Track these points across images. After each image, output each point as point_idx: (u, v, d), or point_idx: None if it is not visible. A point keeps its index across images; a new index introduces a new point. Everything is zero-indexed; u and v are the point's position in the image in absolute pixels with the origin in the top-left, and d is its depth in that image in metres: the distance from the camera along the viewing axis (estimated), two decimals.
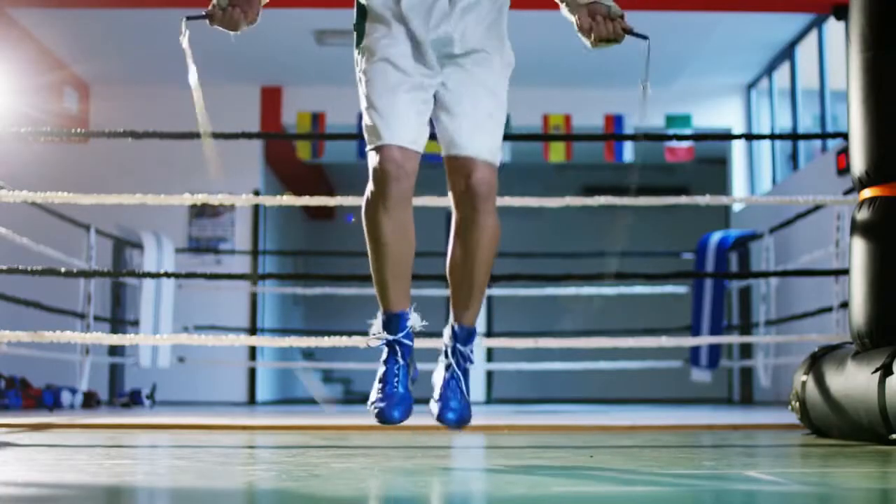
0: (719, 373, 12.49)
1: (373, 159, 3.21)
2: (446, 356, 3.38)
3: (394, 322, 3.29)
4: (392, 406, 3.19)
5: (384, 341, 3.28)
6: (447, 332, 3.42)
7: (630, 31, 3.27)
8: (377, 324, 3.34)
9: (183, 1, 9.85)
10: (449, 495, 2.41)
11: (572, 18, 3.32)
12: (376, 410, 3.20)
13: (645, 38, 3.27)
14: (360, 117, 12.22)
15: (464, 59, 3.27)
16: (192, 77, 3.35)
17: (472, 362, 3.39)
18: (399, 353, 3.27)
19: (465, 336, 3.38)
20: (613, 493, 2.42)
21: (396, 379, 3.24)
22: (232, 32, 3.28)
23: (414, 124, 3.21)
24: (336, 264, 14.41)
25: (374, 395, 3.26)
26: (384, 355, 3.29)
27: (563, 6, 3.36)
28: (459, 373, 3.33)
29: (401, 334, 3.28)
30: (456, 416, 3.26)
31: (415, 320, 3.33)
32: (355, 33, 3.34)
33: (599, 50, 3.32)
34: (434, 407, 3.31)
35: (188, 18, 3.25)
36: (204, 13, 3.26)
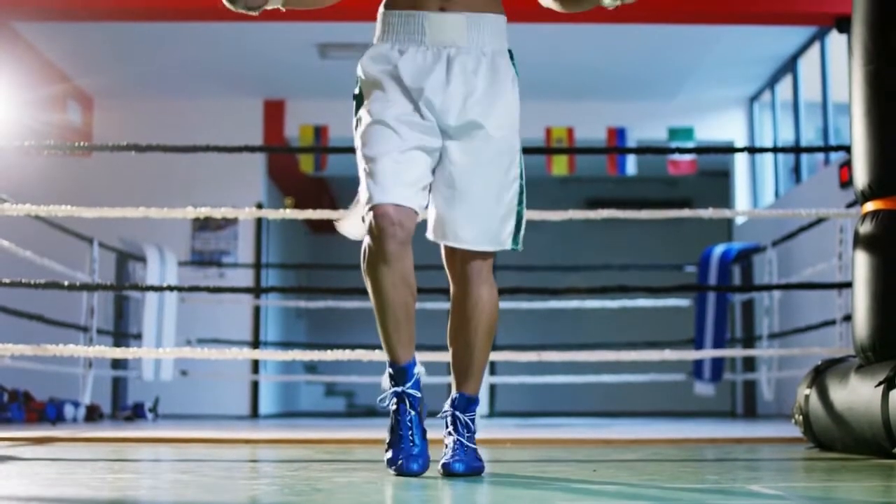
0: (722, 386, 12.48)
1: (369, 215, 3.19)
2: (446, 425, 3.36)
3: (400, 374, 3.27)
4: (410, 459, 3.15)
5: (394, 393, 3.28)
6: (448, 401, 3.39)
7: None
8: (385, 378, 3.33)
9: (186, 15, 9.91)
10: None
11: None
12: (394, 468, 3.17)
13: None
14: None
15: (463, 136, 3.25)
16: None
17: (474, 431, 3.35)
18: (409, 404, 3.26)
19: (464, 404, 3.35)
20: None
21: (410, 432, 3.22)
22: (228, 2, 3.22)
23: (411, 183, 3.19)
24: (339, 278, 14.40)
25: (389, 451, 3.23)
26: (394, 407, 3.26)
27: (593, 3, 3.31)
28: (463, 440, 3.31)
29: (409, 384, 3.27)
30: (464, 465, 3.22)
31: (420, 370, 3.32)
32: (354, 103, 3.34)
33: (613, 7, 3.23)
34: (440, 469, 3.25)
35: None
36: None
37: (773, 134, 12.81)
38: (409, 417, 3.24)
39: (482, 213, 3.26)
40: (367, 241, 3.22)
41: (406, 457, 3.16)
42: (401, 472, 3.15)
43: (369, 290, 3.25)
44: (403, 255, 3.19)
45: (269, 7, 3.24)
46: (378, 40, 3.31)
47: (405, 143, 3.19)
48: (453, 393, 3.40)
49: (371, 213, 3.18)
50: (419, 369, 3.30)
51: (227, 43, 11.21)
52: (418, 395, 3.28)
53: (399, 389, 3.27)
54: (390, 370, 3.29)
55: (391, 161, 3.18)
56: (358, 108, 3.31)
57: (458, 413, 3.34)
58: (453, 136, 3.25)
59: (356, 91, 3.33)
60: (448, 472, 3.21)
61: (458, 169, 3.25)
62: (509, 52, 3.34)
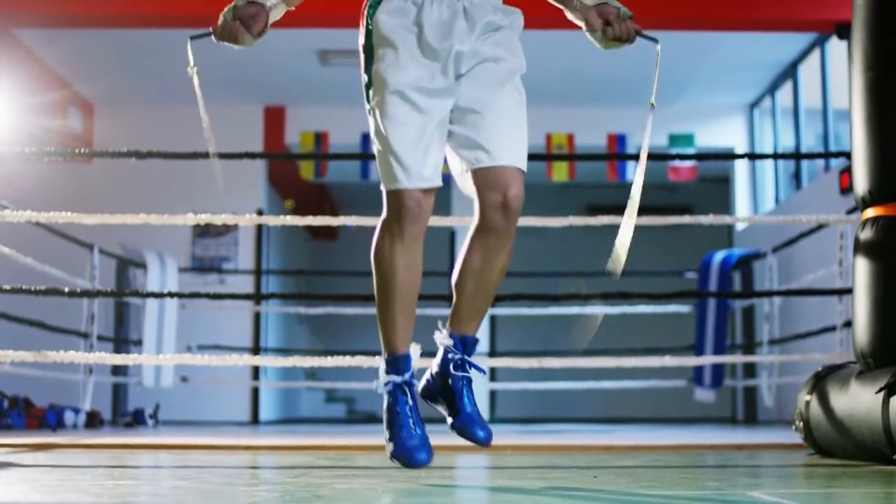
0: (723, 392, 12.47)
1: (391, 196, 3.18)
2: (447, 367, 3.33)
3: (401, 363, 3.26)
4: (416, 450, 3.15)
5: (392, 384, 3.26)
6: (449, 342, 3.35)
7: (641, 33, 3.27)
8: (381, 370, 3.32)
9: (186, 22, 9.91)
10: None
11: (581, 22, 3.31)
12: (401, 458, 3.15)
13: (655, 41, 3.27)
14: (363, 137, 12.30)
15: (481, 67, 3.24)
16: (202, 108, 3.32)
17: (482, 371, 3.37)
18: (409, 394, 3.25)
19: (472, 346, 3.36)
20: None
21: (411, 420, 3.21)
22: (236, 47, 3.25)
23: (434, 161, 3.19)
24: (339, 284, 14.39)
25: (391, 444, 3.21)
26: (390, 399, 3.24)
27: (567, 11, 3.35)
28: (471, 395, 3.30)
29: (408, 374, 3.26)
30: (487, 434, 3.22)
31: (415, 353, 3.32)
32: (363, 55, 3.29)
33: (610, 50, 3.31)
34: (458, 423, 3.25)
35: (192, 38, 3.24)
36: (208, 31, 3.24)
37: (773, 140, 12.81)
38: (408, 407, 3.23)
39: (514, 129, 3.27)
40: (385, 221, 3.22)
41: (411, 448, 3.15)
42: (409, 465, 3.14)
43: (378, 272, 3.24)
44: (420, 240, 3.21)
45: (273, 19, 3.25)
46: None
47: (427, 119, 3.18)
48: (460, 337, 3.35)
49: (398, 194, 3.17)
50: (414, 359, 3.29)
51: (227, 49, 11.15)
52: (416, 383, 3.28)
53: (399, 380, 3.25)
54: (388, 359, 3.28)
55: (415, 141, 3.16)
56: (368, 62, 3.27)
57: (466, 358, 3.33)
58: (470, 70, 3.24)
59: (362, 41, 3.28)
60: (473, 438, 3.21)
61: (481, 93, 3.23)
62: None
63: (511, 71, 3.30)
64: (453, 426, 3.27)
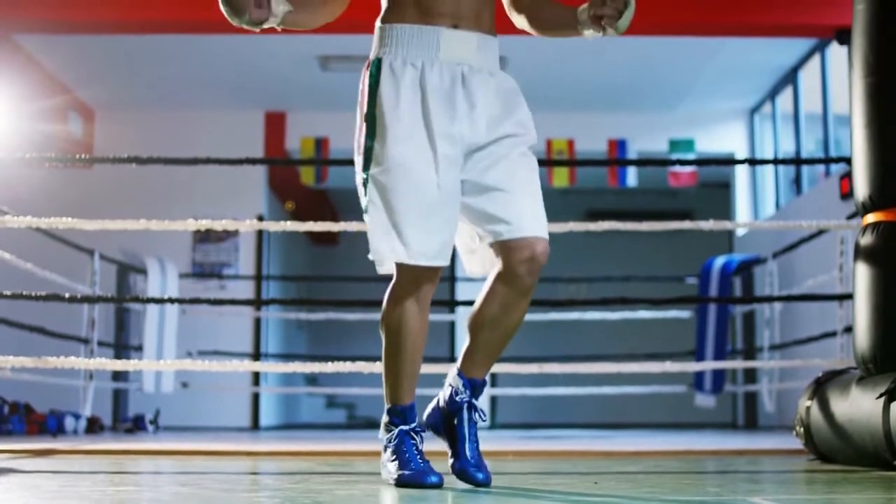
0: (723, 398, 12.47)
1: (406, 269, 3.21)
2: (455, 407, 3.35)
3: (408, 413, 3.29)
4: (426, 474, 3.15)
5: (400, 432, 3.27)
6: (458, 382, 3.37)
7: None
8: (384, 424, 3.33)
9: (188, 27, 9.93)
10: None
11: (590, 33, 3.29)
12: (411, 481, 3.15)
13: None
14: None
15: (495, 144, 3.24)
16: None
17: (484, 418, 3.38)
18: (416, 438, 3.27)
19: (480, 389, 3.37)
20: None
21: (418, 456, 3.22)
22: (230, 15, 3.14)
23: (444, 239, 3.21)
24: (340, 289, 14.41)
25: (395, 471, 3.21)
26: (397, 442, 3.25)
27: (580, 32, 3.32)
28: (474, 439, 3.32)
29: (413, 424, 3.29)
30: (486, 476, 3.23)
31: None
32: (364, 125, 3.24)
33: (615, 37, 3.27)
34: (458, 465, 3.27)
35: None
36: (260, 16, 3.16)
37: (773, 145, 12.81)
38: (415, 448, 3.25)
39: (535, 203, 3.25)
40: (397, 285, 3.24)
41: (421, 471, 3.16)
42: (420, 484, 3.13)
43: (390, 331, 3.25)
44: (429, 302, 3.25)
45: (268, 25, 3.22)
46: (386, 56, 3.24)
47: (435, 190, 3.17)
48: (470, 379, 3.36)
49: (413, 269, 3.20)
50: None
51: (227, 55, 11.22)
52: (420, 429, 3.29)
53: (406, 428, 3.27)
54: (392, 411, 3.30)
55: (423, 214, 3.17)
56: (370, 128, 3.22)
57: (474, 402, 3.35)
58: (485, 148, 3.24)
59: (365, 107, 3.24)
60: (471, 480, 3.22)
61: (500, 170, 3.22)
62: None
63: (522, 140, 3.30)
64: (453, 467, 3.30)
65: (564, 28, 3.36)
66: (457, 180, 3.22)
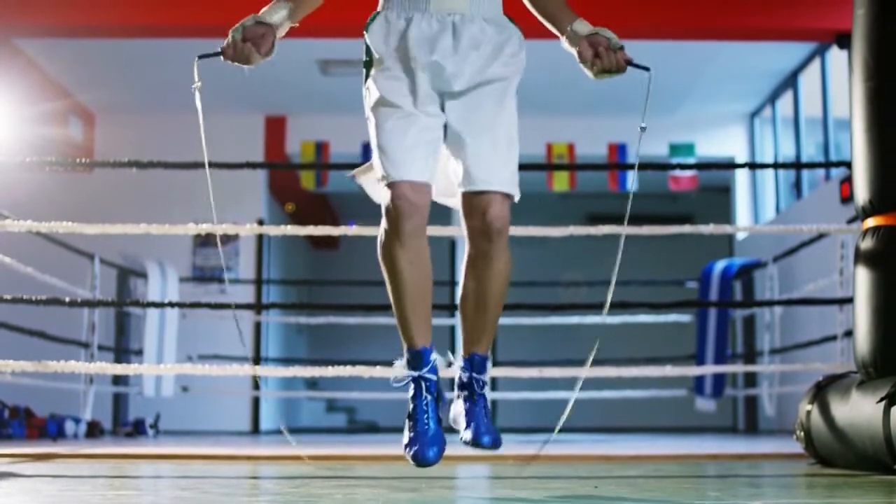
0: (724, 402, 12.47)
1: (385, 197, 3.22)
2: (462, 388, 3.39)
3: (417, 358, 3.29)
4: (426, 446, 3.19)
5: (410, 378, 3.28)
6: (458, 363, 3.42)
7: (631, 63, 3.29)
8: (398, 365, 3.35)
9: (188, 32, 9.93)
10: None
11: (573, 51, 3.35)
12: (411, 453, 3.20)
13: (647, 69, 3.29)
14: (364, 146, 12.29)
15: (468, 94, 3.28)
16: (201, 125, 3.38)
17: (487, 384, 3.40)
18: (425, 388, 3.28)
19: (480, 364, 3.40)
20: None
21: (426, 415, 3.24)
22: (246, 67, 3.29)
23: (421, 159, 3.21)
24: (340, 293, 14.40)
25: (406, 435, 3.26)
26: (411, 392, 3.29)
27: (563, 39, 3.39)
28: (480, 399, 3.35)
29: (425, 369, 3.29)
30: (491, 439, 3.28)
31: (437, 357, 3.34)
32: (364, 70, 3.37)
33: (602, 80, 3.35)
34: (466, 435, 3.30)
35: (200, 57, 3.29)
36: (218, 50, 3.28)
37: (773, 149, 12.82)
38: (425, 402, 3.27)
39: (501, 155, 3.27)
40: (383, 222, 3.24)
41: (422, 443, 3.19)
42: (417, 461, 3.17)
43: (385, 273, 3.28)
44: (420, 235, 3.23)
45: (280, 36, 3.29)
46: (382, 8, 3.34)
47: (412, 120, 3.23)
48: (468, 356, 3.41)
49: (388, 192, 3.20)
50: (436, 356, 3.31)
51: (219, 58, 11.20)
52: (434, 378, 3.31)
53: (416, 374, 3.28)
54: (407, 355, 3.31)
55: (403, 137, 3.21)
56: (367, 76, 3.35)
57: (475, 374, 3.37)
58: (462, 95, 3.27)
59: (365, 58, 3.36)
60: (478, 444, 3.26)
61: (471, 120, 3.26)
62: (507, 17, 3.39)
63: (500, 90, 3.32)
64: (462, 439, 3.31)
65: (553, 25, 3.42)
66: (434, 116, 3.27)
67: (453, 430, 3.44)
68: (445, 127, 3.29)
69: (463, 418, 3.36)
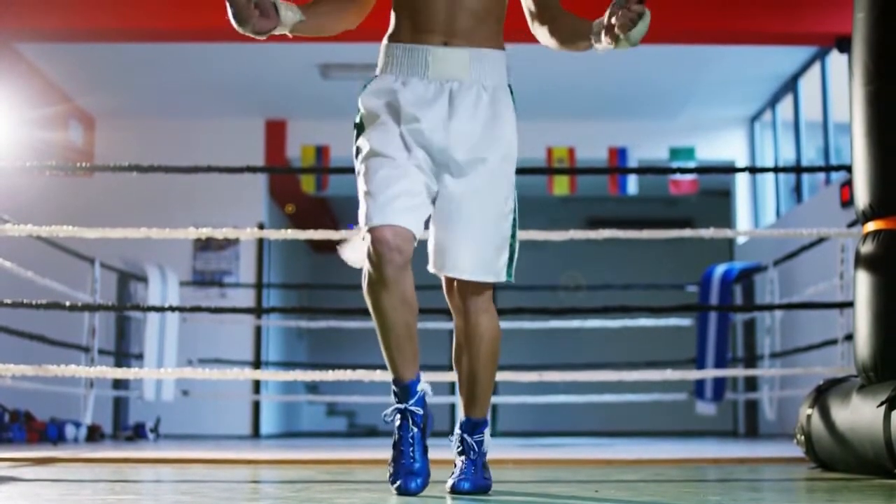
0: (724, 405, 12.46)
1: (366, 242, 3.22)
2: (457, 447, 3.40)
3: (404, 391, 3.30)
4: (409, 478, 3.20)
5: (396, 410, 3.29)
6: (458, 424, 3.45)
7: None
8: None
9: (188, 36, 9.94)
10: None
11: (603, 45, 3.22)
12: (395, 485, 3.21)
13: None
14: None
15: (462, 170, 3.27)
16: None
17: (483, 452, 3.40)
18: (411, 421, 3.28)
19: (470, 427, 3.41)
20: None
21: (412, 448, 3.25)
22: (234, 23, 3.13)
23: (407, 208, 3.20)
24: (340, 298, 14.37)
25: (390, 465, 3.27)
26: (398, 423, 3.30)
27: (595, 47, 3.27)
28: (471, 462, 3.35)
29: (411, 402, 3.29)
30: (471, 485, 3.28)
31: (424, 388, 3.34)
32: (354, 132, 3.36)
33: (641, 37, 3.18)
34: (448, 482, 3.32)
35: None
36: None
37: (774, 153, 12.82)
38: (410, 434, 3.26)
39: (481, 243, 3.29)
40: (366, 265, 3.24)
41: (405, 474, 3.20)
42: (400, 492, 3.18)
43: (371, 311, 3.28)
44: (402, 278, 3.21)
45: (276, 32, 3.23)
46: (381, 72, 3.33)
47: (403, 169, 3.22)
48: (461, 416, 3.45)
49: (369, 237, 3.20)
50: (423, 387, 3.32)
51: (228, 63, 11.24)
52: (421, 412, 3.30)
53: (402, 406, 3.29)
54: (394, 388, 3.31)
55: (389, 186, 3.20)
56: (358, 136, 3.34)
57: (465, 436, 3.39)
58: (453, 171, 3.28)
59: (357, 120, 3.35)
60: (454, 490, 3.27)
61: (458, 201, 3.27)
62: (509, 87, 3.38)
63: (498, 180, 3.32)
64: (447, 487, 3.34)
65: (580, 39, 3.30)
66: (429, 171, 3.27)
67: (440, 434, 3.44)
68: (436, 194, 3.30)
69: (457, 472, 3.36)
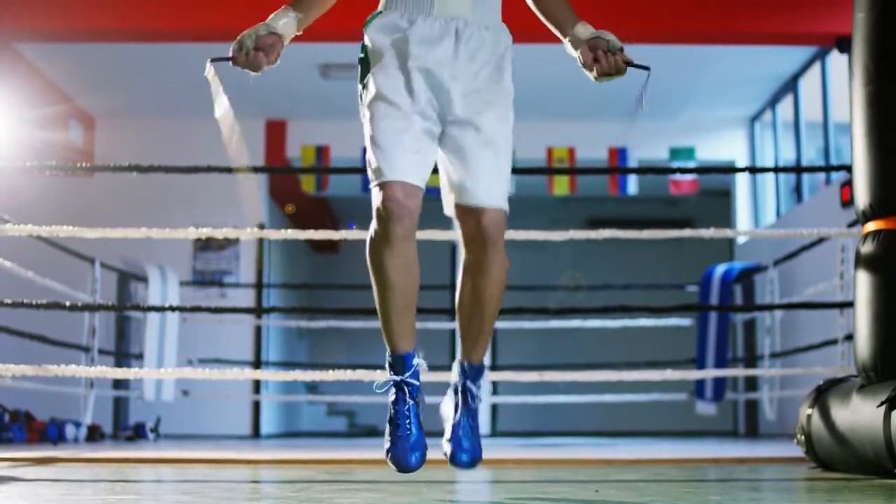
0: (724, 405, 12.46)
1: (376, 198, 3.21)
2: (455, 393, 3.38)
3: (400, 363, 3.29)
4: (407, 451, 3.18)
5: (392, 382, 3.28)
6: (456, 368, 3.43)
7: (631, 64, 3.29)
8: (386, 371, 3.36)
9: (188, 36, 9.94)
10: None
11: (575, 54, 3.35)
12: (392, 458, 3.19)
13: (646, 69, 3.29)
14: (364, 151, 12.31)
15: (471, 106, 3.27)
16: (220, 110, 3.39)
17: (480, 399, 3.40)
18: (407, 393, 3.27)
19: (474, 373, 3.40)
20: None
21: (408, 421, 3.23)
22: (253, 74, 3.30)
23: (415, 161, 3.21)
24: (340, 297, 14.40)
25: (387, 440, 3.25)
26: (392, 397, 3.28)
27: (566, 42, 3.39)
28: (470, 411, 3.35)
29: (408, 374, 3.28)
30: (469, 458, 3.29)
31: (420, 362, 3.33)
32: (359, 67, 3.35)
33: (603, 83, 3.35)
34: (446, 447, 3.31)
35: (213, 60, 3.30)
36: (229, 55, 3.29)
37: (774, 153, 12.82)
38: (406, 407, 3.25)
39: (498, 171, 3.29)
40: (373, 223, 3.24)
41: (403, 449, 3.18)
42: (398, 466, 3.17)
43: (373, 276, 3.27)
44: (409, 238, 3.21)
45: (287, 42, 3.31)
46: (384, 9, 3.33)
47: (409, 122, 3.22)
48: (463, 363, 3.42)
49: (380, 194, 3.20)
50: (418, 361, 3.31)
51: (228, 63, 11.21)
52: (417, 384, 3.29)
53: (398, 378, 3.28)
54: (389, 359, 3.31)
55: (398, 137, 3.21)
56: (363, 74, 3.33)
57: (468, 382, 3.37)
58: (460, 109, 3.27)
59: (361, 55, 3.34)
60: (454, 461, 3.28)
61: (475, 134, 3.26)
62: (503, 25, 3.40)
63: (503, 105, 3.33)
64: (443, 450, 3.32)
65: (555, 26, 3.43)
66: (431, 119, 3.27)
67: (435, 434, 3.44)
68: (442, 134, 3.29)
69: (449, 425, 3.36)
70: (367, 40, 3.33)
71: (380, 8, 3.36)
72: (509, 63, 3.37)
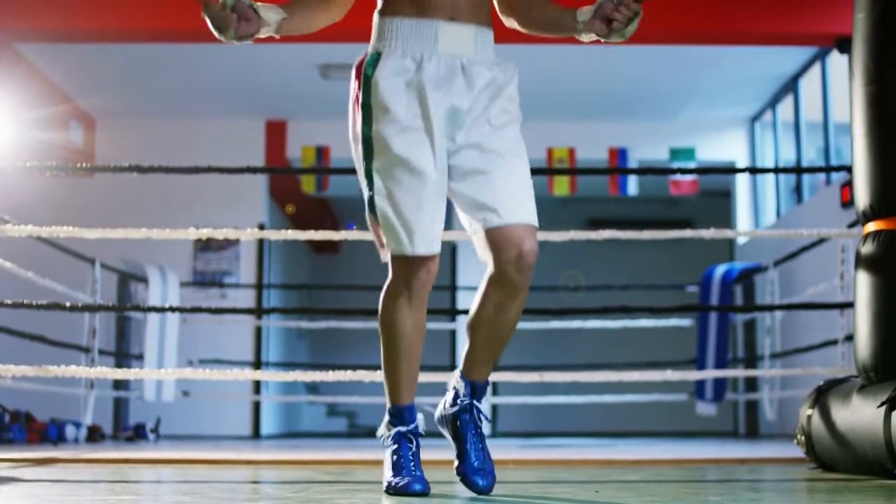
0: (724, 406, 12.46)
1: (400, 267, 3.20)
2: (463, 411, 3.35)
3: (406, 414, 3.30)
4: (415, 482, 3.16)
5: (397, 434, 3.28)
6: (461, 385, 3.38)
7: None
8: (384, 423, 3.33)
9: (189, 37, 9.94)
10: None
11: (591, 37, 3.28)
12: (398, 486, 3.16)
13: None
14: None
15: (484, 127, 3.23)
16: None
17: (488, 418, 3.40)
18: (413, 442, 3.28)
19: (480, 392, 3.39)
20: None
21: (412, 464, 3.23)
22: (215, 33, 3.14)
23: (438, 228, 3.20)
24: (341, 298, 14.40)
25: (390, 479, 3.21)
26: (395, 445, 3.27)
27: (579, 31, 3.28)
28: (479, 432, 3.34)
29: (412, 425, 3.29)
30: (487, 484, 3.24)
31: (419, 416, 3.33)
32: (360, 112, 3.24)
33: (632, 35, 3.26)
34: (461, 469, 3.27)
35: None
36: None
37: (774, 154, 12.82)
38: (411, 452, 3.25)
39: (522, 188, 3.25)
40: (394, 285, 3.24)
41: (411, 479, 3.16)
42: (406, 492, 3.14)
43: (386, 333, 3.26)
44: (426, 301, 3.24)
45: (261, 35, 3.19)
46: (381, 49, 3.22)
47: (431, 185, 3.17)
48: (472, 382, 3.38)
49: (405, 263, 3.19)
50: (419, 415, 3.31)
51: (228, 64, 11.24)
52: (419, 431, 3.29)
53: (404, 429, 3.28)
54: (391, 410, 3.30)
55: (423, 211, 3.16)
56: (366, 119, 3.21)
57: (475, 402, 3.36)
58: (473, 131, 3.22)
59: (361, 97, 3.22)
60: (470, 485, 3.23)
61: (498, 154, 3.22)
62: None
63: (516, 127, 3.30)
64: (457, 470, 3.30)
65: (559, 29, 3.35)
66: (445, 168, 3.23)
67: (431, 435, 3.43)
68: (450, 168, 3.24)
69: (455, 444, 3.34)
70: (376, 82, 3.20)
71: (375, 48, 3.25)
72: (516, 91, 3.33)
